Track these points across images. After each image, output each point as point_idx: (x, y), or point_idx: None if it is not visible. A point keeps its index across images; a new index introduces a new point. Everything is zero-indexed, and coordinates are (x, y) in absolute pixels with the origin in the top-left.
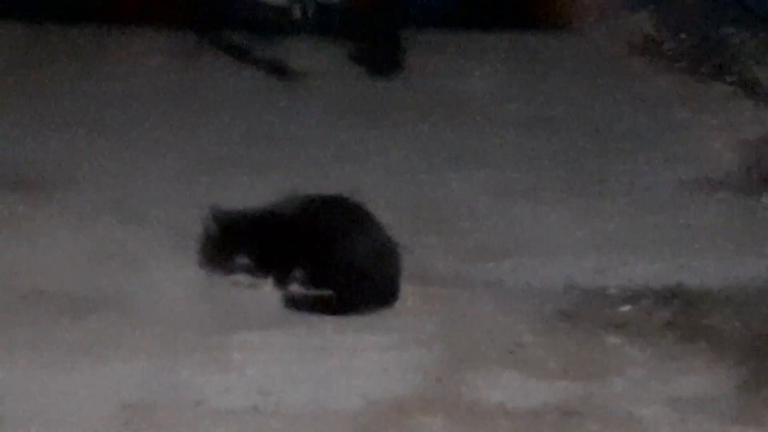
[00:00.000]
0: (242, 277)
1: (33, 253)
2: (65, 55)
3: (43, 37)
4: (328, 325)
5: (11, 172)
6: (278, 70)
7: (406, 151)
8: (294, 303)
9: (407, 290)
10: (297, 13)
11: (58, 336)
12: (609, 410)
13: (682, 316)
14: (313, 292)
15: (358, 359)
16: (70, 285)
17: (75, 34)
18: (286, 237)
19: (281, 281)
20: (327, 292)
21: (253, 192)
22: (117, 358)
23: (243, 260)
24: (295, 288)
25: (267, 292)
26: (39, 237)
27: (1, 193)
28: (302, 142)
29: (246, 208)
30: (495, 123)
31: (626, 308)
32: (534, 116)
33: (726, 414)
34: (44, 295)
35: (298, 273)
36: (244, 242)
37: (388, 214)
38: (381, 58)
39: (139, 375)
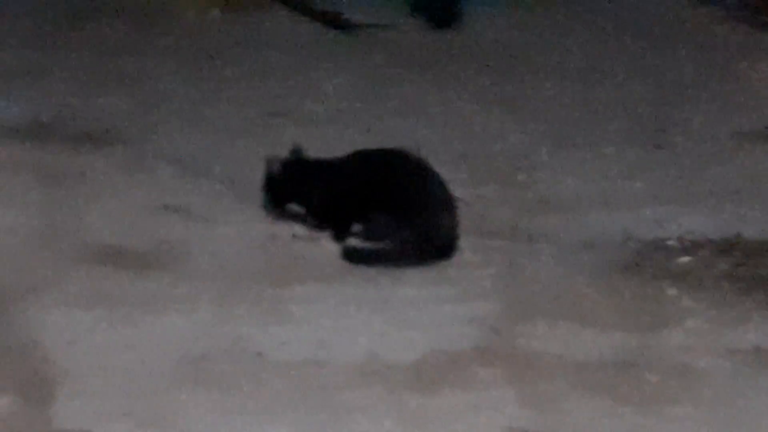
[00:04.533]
0: (302, 231)
1: (96, 207)
2: (127, 10)
3: None
4: (386, 278)
5: (75, 126)
6: (337, 23)
7: (464, 103)
8: (353, 256)
9: (465, 243)
10: None
11: (120, 289)
12: (666, 361)
13: (740, 267)
14: (372, 245)
15: (416, 312)
16: (132, 238)
17: None
18: (345, 190)
19: (340, 235)
20: (385, 245)
21: (313, 145)
22: (178, 311)
23: (296, 208)
24: (354, 241)
25: (326, 245)
26: (102, 191)
27: (64, 147)
28: (361, 95)
29: (306, 160)
30: (554, 75)
31: (685, 260)
32: (593, 68)
33: None
34: (106, 249)
35: (356, 226)
36: (301, 192)
37: (447, 167)
38: (440, 10)
39: (200, 328)
